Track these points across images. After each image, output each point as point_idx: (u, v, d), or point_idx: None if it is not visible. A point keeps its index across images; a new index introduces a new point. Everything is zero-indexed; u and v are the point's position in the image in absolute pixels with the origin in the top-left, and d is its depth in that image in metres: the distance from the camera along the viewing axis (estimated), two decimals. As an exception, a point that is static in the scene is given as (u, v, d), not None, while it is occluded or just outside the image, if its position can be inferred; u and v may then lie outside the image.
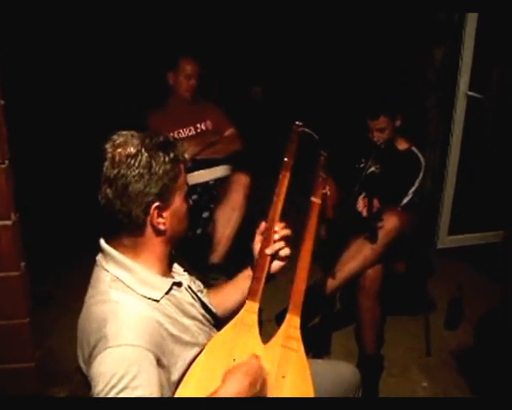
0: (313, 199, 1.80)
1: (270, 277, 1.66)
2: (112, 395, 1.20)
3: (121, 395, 1.20)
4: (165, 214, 1.41)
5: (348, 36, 4.61)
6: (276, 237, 1.65)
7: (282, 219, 1.70)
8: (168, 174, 1.38)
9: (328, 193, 1.86)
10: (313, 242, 1.70)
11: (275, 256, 1.66)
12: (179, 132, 3.38)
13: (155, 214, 1.39)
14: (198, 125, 3.43)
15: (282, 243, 1.65)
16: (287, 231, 1.67)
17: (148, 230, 1.41)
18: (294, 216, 1.84)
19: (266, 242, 1.64)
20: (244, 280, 1.71)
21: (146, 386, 1.23)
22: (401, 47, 4.02)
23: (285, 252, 1.66)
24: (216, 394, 1.28)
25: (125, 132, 1.40)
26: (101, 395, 1.21)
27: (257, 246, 1.68)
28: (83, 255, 2.05)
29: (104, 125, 2.00)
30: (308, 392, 1.45)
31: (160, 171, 1.36)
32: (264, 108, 5.21)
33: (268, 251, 1.62)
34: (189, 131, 3.41)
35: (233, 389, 1.30)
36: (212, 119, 3.45)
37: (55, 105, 4.17)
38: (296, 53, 5.03)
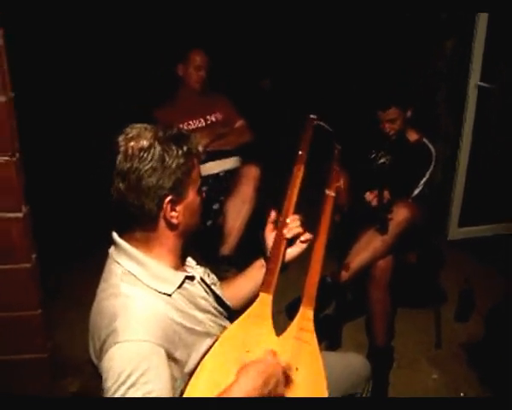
0: (328, 192, 1.81)
1: (285, 266, 1.66)
2: (121, 391, 1.20)
3: (131, 391, 1.20)
4: (178, 208, 1.40)
5: (359, 27, 4.58)
6: (294, 224, 1.65)
7: (295, 212, 1.70)
8: (181, 168, 1.37)
9: (342, 186, 1.86)
10: (327, 235, 1.70)
11: (291, 243, 1.66)
12: (189, 124, 3.38)
13: (168, 208, 1.38)
14: (208, 117, 3.42)
15: (300, 228, 1.66)
16: (301, 220, 1.67)
17: (161, 223, 1.40)
18: (308, 209, 1.83)
19: (280, 232, 1.64)
20: (256, 270, 1.71)
21: (156, 382, 1.23)
22: (412, 38, 4.00)
23: (305, 237, 1.66)
24: (229, 390, 1.28)
25: (137, 125, 1.39)
26: (111, 391, 1.21)
27: (268, 235, 1.68)
28: (90, 250, 2.07)
29: (107, 122, 1.99)
30: (321, 384, 1.45)
31: (174, 164, 1.35)
32: (273, 99, 5.19)
33: (287, 234, 1.63)
34: (199, 122, 3.41)
35: (246, 386, 1.29)
36: (221, 110, 3.45)
37: (64, 101, 4.17)
38: (305, 44, 5.01)
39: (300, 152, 1.82)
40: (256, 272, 1.71)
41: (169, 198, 1.37)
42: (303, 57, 5.04)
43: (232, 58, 4.60)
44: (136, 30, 4.27)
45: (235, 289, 1.75)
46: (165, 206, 1.37)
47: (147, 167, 1.32)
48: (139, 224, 1.39)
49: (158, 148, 1.34)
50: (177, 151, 1.36)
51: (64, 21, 4.02)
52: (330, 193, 1.81)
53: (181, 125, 3.23)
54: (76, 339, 2.58)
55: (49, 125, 4.04)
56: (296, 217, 1.67)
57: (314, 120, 1.93)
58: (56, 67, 4.09)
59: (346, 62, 4.84)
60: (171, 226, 1.41)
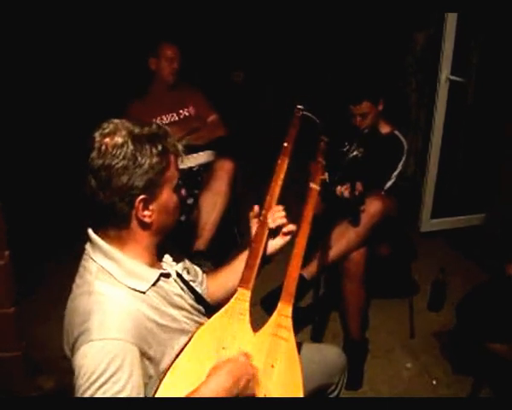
0: (312, 185, 1.79)
1: (267, 258, 1.67)
2: (93, 389, 1.20)
3: (102, 390, 1.20)
4: (151, 207, 1.38)
5: (329, 19, 4.59)
6: (278, 215, 1.64)
7: (278, 204, 1.69)
8: (154, 168, 1.34)
9: (328, 180, 1.83)
10: (309, 229, 1.68)
11: (275, 234, 1.66)
12: (162, 118, 3.36)
13: (140, 208, 1.35)
14: (181, 111, 3.41)
15: (283, 219, 1.64)
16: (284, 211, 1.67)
17: (134, 222, 1.38)
18: (291, 202, 1.81)
19: (262, 227, 1.63)
20: (241, 262, 1.70)
21: (127, 381, 1.23)
22: (383, 31, 4.02)
23: (289, 228, 1.65)
24: (197, 390, 1.28)
25: (115, 120, 1.36)
26: (82, 389, 1.21)
27: (253, 228, 1.67)
28: (67, 246, 2.04)
29: (89, 115, 1.96)
30: (297, 381, 1.44)
31: (146, 164, 1.32)
32: (245, 91, 5.18)
33: (271, 223, 1.63)
34: (172, 117, 3.39)
35: (214, 386, 1.29)
36: (195, 104, 3.43)
37: (39, 95, 4.11)
38: (278, 36, 5.00)
39: (286, 144, 1.80)
40: (240, 264, 1.69)
41: (141, 198, 1.34)
42: (275, 50, 5.03)
43: (204, 51, 4.57)
44: (108, 24, 4.21)
45: (222, 281, 1.75)
46: (136, 205, 1.35)
47: (118, 166, 1.30)
48: (112, 222, 1.37)
49: (130, 146, 1.31)
50: (151, 150, 1.34)
51: (35, 15, 3.95)
52: (314, 186, 1.78)
53: (154, 120, 3.21)
54: (53, 335, 2.56)
55: (24, 120, 3.98)
56: (280, 207, 1.66)
57: (300, 110, 1.91)
58: (27, 62, 4.02)
59: (320, 54, 4.86)
60: (144, 225, 1.40)
